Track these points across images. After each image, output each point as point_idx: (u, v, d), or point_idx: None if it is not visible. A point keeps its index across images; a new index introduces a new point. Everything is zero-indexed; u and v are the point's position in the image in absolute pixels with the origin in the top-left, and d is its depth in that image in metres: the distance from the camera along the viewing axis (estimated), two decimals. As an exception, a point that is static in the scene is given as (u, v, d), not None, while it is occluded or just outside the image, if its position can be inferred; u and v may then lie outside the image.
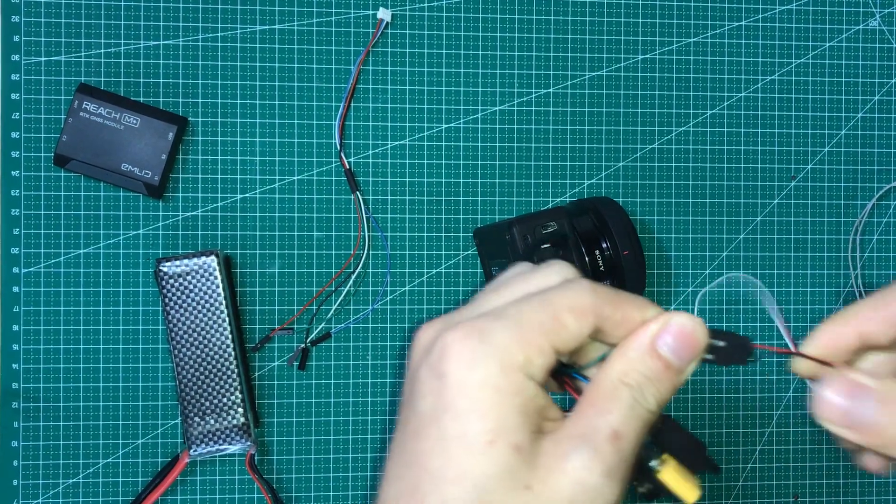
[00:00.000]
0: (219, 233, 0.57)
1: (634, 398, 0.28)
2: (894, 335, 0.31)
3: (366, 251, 0.58)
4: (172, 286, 0.54)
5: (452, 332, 0.27)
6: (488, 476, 0.26)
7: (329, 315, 0.58)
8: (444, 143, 0.59)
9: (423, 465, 0.27)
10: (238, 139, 0.58)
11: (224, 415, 0.54)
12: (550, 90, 0.60)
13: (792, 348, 0.32)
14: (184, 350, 0.54)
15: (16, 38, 0.56)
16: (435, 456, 0.27)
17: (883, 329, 0.31)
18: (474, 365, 0.27)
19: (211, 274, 0.54)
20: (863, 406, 0.29)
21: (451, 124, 0.59)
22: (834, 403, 0.29)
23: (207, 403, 0.54)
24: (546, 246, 0.50)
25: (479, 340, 0.27)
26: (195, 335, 0.54)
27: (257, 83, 0.58)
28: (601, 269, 0.53)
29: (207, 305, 0.54)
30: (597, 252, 0.53)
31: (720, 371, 0.61)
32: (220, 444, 0.54)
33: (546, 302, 0.28)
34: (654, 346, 0.29)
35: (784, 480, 0.61)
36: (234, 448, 0.55)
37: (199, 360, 0.54)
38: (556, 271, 0.30)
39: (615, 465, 0.27)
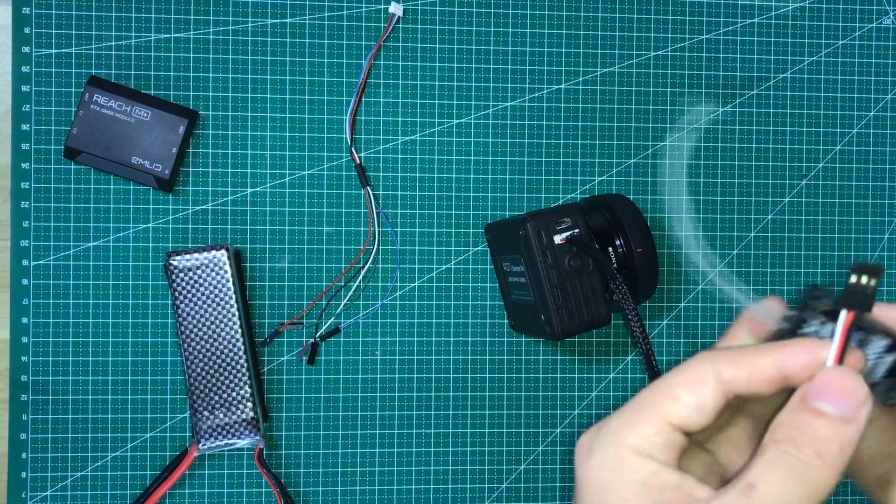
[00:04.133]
0: (229, 227, 0.57)
1: (780, 450, 0.28)
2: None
3: (376, 246, 0.58)
4: (182, 280, 0.54)
5: (583, 435, 0.31)
6: None
7: (338, 310, 0.58)
8: (454, 139, 0.59)
9: None
10: (249, 133, 0.57)
11: (233, 409, 0.54)
12: (562, 86, 0.60)
13: None
14: (193, 344, 0.54)
15: (27, 30, 0.56)
16: None
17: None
18: (591, 453, 0.30)
19: (221, 268, 0.54)
20: None
21: (462, 120, 0.59)
22: None
23: (216, 397, 0.54)
24: (560, 242, 0.50)
25: (595, 432, 0.30)
26: (205, 329, 0.54)
27: (268, 77, 0.58)
28: (614, 266, 0.53)
29: (217, 299, 0.54)
30: (610, 249, 0.53)
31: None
32: (228, 439, 0.54)
33: (660, 383, 0.30)
34: (803, 403, 0.29)
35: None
36: (242, 442, 0.55)
37: (208, 354, 0.54)
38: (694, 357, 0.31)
39: None
